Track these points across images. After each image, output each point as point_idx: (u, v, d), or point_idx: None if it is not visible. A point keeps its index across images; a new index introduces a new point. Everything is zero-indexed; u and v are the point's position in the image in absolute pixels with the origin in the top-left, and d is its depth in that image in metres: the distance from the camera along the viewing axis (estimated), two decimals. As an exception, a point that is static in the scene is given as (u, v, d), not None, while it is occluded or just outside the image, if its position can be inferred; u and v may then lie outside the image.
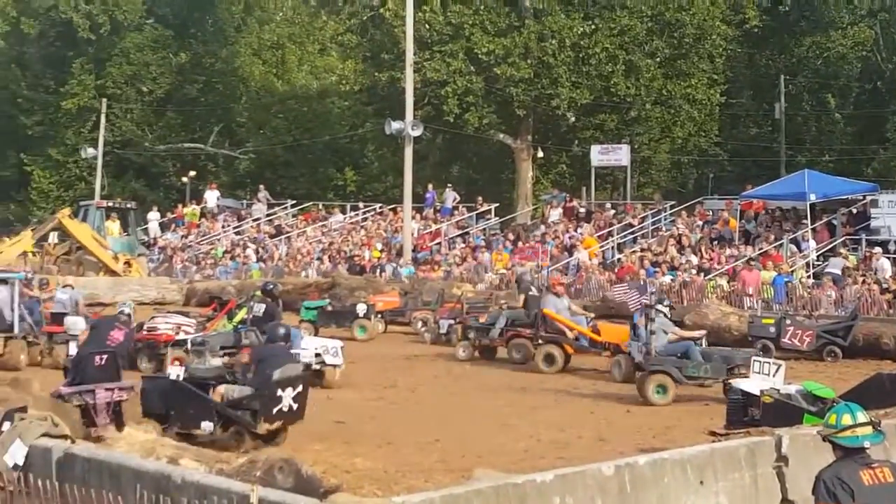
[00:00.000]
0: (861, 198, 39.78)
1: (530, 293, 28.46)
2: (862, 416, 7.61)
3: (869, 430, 7.58)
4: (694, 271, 36.49)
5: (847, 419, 7.59)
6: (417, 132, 46.98)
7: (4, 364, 25.74)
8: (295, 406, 16.38)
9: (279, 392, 16.22)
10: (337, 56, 69.96)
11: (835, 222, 39.00)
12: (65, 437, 11.37)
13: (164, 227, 59.03)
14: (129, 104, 68.93)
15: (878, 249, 35.09)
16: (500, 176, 60.77)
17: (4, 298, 26.97)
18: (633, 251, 41.59)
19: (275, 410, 16.13)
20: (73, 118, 68.83)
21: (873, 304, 31.14)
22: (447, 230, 49.93)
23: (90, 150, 64.74)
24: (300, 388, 16.52)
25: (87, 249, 45.35)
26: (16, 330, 26.43)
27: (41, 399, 15.07)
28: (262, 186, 60.46)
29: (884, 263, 34.00)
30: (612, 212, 47.57)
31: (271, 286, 25.98)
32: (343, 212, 57.12)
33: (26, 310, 27.35)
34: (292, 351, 22.93)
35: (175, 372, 16.97)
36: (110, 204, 53.92)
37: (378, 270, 43.80)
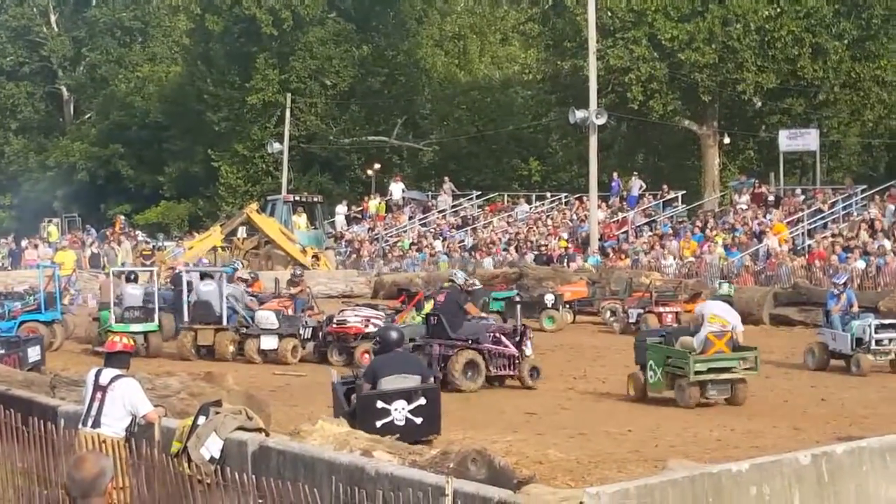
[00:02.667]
0: None
1: None
2: None
3: None
4: (888, 256, 35.74)
5: None
6: (602, 120, 46.86)
7: (215, 355, 26.60)
8: (418, 420, 15.29)
9: (382, 405, 15.22)
10: (519, 45, 70.13)
11: None
12: (259, 430, 11.59)
13: (350, 220, 59.91)
14: (313, 98, 69.91)
15: None
16: (686, 163, 60.25)
17: (213, 291, 27.80)
18: (824, 237, 40.91)
19: (379, 425, 14.82)
20: (259, 113, 70.01)
21: None
22: (634, 218, 49.72)
23: (276, 145, 65.88)
24: (421, 401, 15.43)
25: (276, 243, 46.07)
26: (224, 322, 27.17)
27: (235, 393, 15.39)
28: (446, 178, 60.96)
29: None
30: (802, 197, 46.83)
31: (462, 277, 25.97)
32: (528, 202, 57.30)
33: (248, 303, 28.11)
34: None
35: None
36: (297, 198, 54.81)
37: (565, 260, 43.84)
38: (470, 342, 21.98)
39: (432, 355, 21.83)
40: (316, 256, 46.33)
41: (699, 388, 19.77)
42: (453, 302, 23.05)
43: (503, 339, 22.00)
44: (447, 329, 22.16)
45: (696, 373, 19.57)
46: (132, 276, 29.50)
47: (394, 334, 16.61)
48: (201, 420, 11.52)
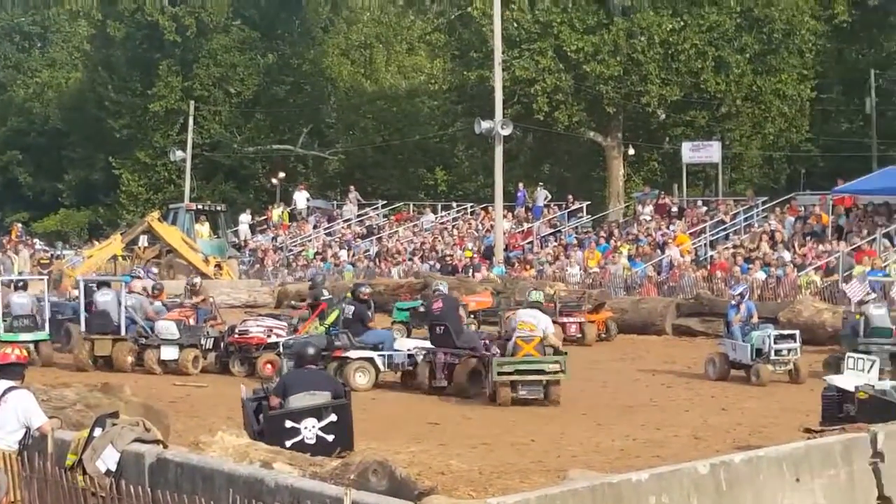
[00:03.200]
0: (956, 191, 39.28)
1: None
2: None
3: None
4: (787, 267, 36.19)
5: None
6: (507, 131, 47.00)
7: (113, 366, 26.23)
8: (329, 437, 14.80)
9: (290, 424, 14.73)
10: (425, 55, 70.15)
11: (929, 216, 38.55)
12: (157, 442, 11.41)
13: (254, 229, 59.54)
14: (217, 106, 69.47)
15: (974, 243, 34.67)
16: (591, 174, 60.63)
17: (110, 301, 27.41)
18: (726, 248, 41.35)
19: (289, 444, 14.29)
20: (161, 121, 69.40)
21: (969, 299, 30.74)
22: (539, 229, 49.93)
23: (179, 153, 65.34)
24: (332, 418, 14.98)
25: (178, 252, 45.63)
26: (123, 332, 26.80)
27: (133, 404, 15.18)
28: (352, 187, 60.82)
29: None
30: (704, 209, 47.31)
31: (362, 287, 26.00)
32: (434, 212, 57.34)
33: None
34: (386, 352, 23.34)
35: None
36: (200, 206, 54.29)
37: (470, 270, 43.89)
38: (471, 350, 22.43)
39: (436, 363, 22.56)
40: (219, 266, 45.95)
41: (510, 387, 21.12)
42: (454, 309, 23.39)
43: (494, 347, 22.08)
44: (453, 337, 22.59)
45: (500, 374, 21.07)
46: (20, 285, 28.98)
47: (309, 350, 16.15)
48: (97, 432, 11.31)
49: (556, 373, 21.20)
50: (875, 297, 27.29)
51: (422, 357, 23.30)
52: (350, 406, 15.20)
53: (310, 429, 14.81)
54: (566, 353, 21.69)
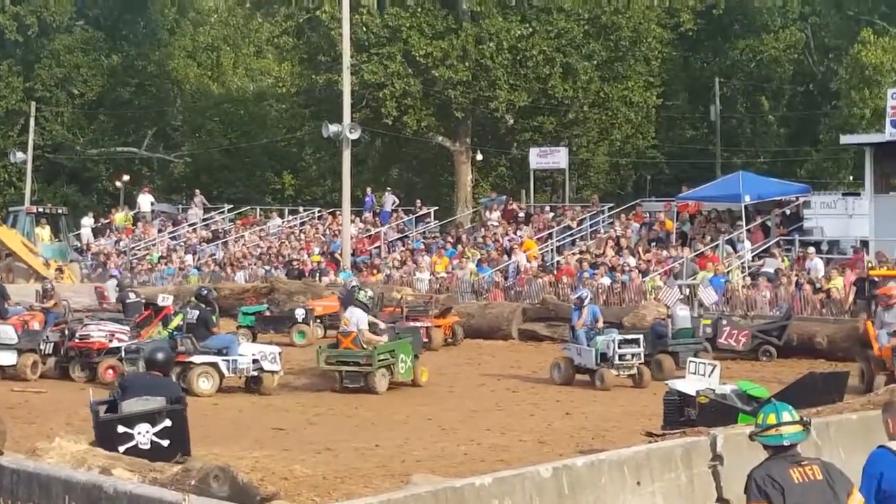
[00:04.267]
0: (794, 199, 40.16)
1: None
2: (787, 416, 7.69)
3: (794, 428, 7.66)
4: (632, 273, 36.65)
5: (772, 418, 7.68)
6: (355, 135, 46.81)
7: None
8: (164, 442, 14.63)
9: (123, 429, 14.51)
10: (273, 58, 69.62)
11: (769, 223, 39.32)
12: (-8, 448, 11.15)
13: (97, 232, 58.47)
14: (60, 107, 68.14)
15: (811, 250, 35.42)
16: (440, 179, 60.79)
17: None
18: (573, 253, 41.73)
19: (122, 449, 14.05)
20: (1, 121, 67.82)
21: (806, 303, 31.46)
22: (386, 233, 49.87)
23: (19, 155, 63.85)
24: (166, 423, 14.81)
25: (17, 256, 44.67)
26: None
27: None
28: (197, 191, 60.09)
29: (816, 263, 34.32)
30: (551, 214, 47.69)
31: (206, 291, 25.64)
32: (281, 216, 56.96)
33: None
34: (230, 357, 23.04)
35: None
36: (41, 209, 53.25)
37: (317, 274, 43.66)
38: None
39: None
40: (60, 269, 45.09)
41: (338, 377, 23.67)
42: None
43: None
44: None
45: (326, 363, 23.77)
46: None
47: (158, 356, 15.87)
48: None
49: (365, 366, 23.35)
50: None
51: None
52: (185, 411, 14.99)
53: (143, 434, 14.59)
54: (375, 349, 23.49)
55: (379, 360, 23.47)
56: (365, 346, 23.55)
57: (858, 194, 38.91)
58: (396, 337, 24.88)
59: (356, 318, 23.80)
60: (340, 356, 23.76)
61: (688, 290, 31.31)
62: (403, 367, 23.99)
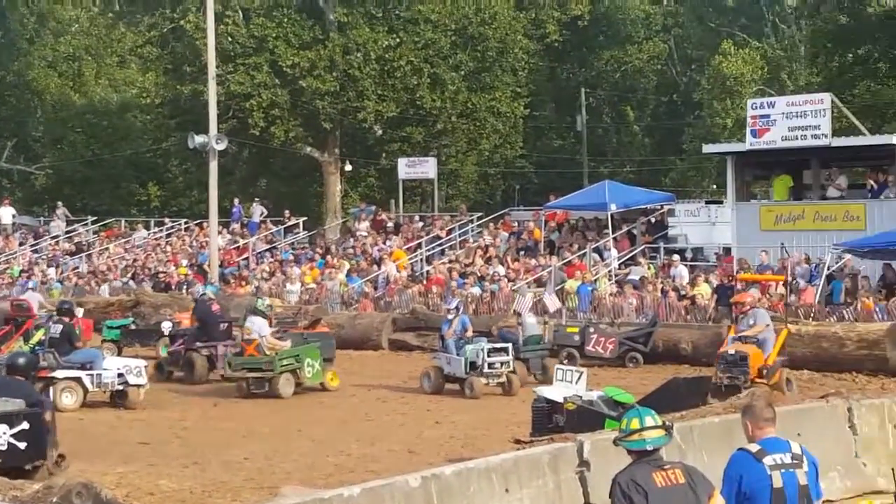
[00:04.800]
0: (659, 207, 40.70)
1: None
2: (650, 420, 7.76)
3: (657, 433, 7.73)
4: (501, 282, 36.81)
5: (635, 423, 7.75)
6: (222, 146, 46.34)
7: None
8: (21, 445, 14.72)
9: None
10: (137, 68, 68.75)
11: (635, 231, 39.80)
12: None
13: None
14: (-83, 118, 66.80)
15: (675, 257, 35.96)
16: (309, 189, 60.60)
17: None
18: (442, 262, 41.82)
19: None
20: None
21: (672, 310, 31.89)
22: (255, 245, 49.48)
23: None
24: (24, 426, 14.84)
25: None
26: None
27: None
28: (60, 203, 59.04)
29: (681, 271, 34.83)
30: (421, 224, 47.75)
31: (68, 305, 25.24)
32: (147, 228, 56.23)
33: None
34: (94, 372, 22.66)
35: None
36: None
37: (184, 287, 43.17)
38: None
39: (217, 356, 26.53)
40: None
41: (245, 385, 24.54)
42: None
43: None
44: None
45: (233, 370, 24.70)
46: None
47: (20, 360, 16.26)
48: None
49: (267, 371, 24.31)
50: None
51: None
52: (43, 416, 14.83)
53: (0, 435, 14.55)
54: (275, 356, 24.39)
55: (282, 365, 24.33)
56: (267, 353, 24.37)
57: (721, 202, 39.56)
58: (304, 342, 25.58)
59: (257, 326, 24.62)
60: (245, 363, 24.56)
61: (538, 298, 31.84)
62: (311, 372, 24.70)
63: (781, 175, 36.76)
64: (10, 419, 14.76)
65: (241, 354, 24.80)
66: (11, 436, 14.71)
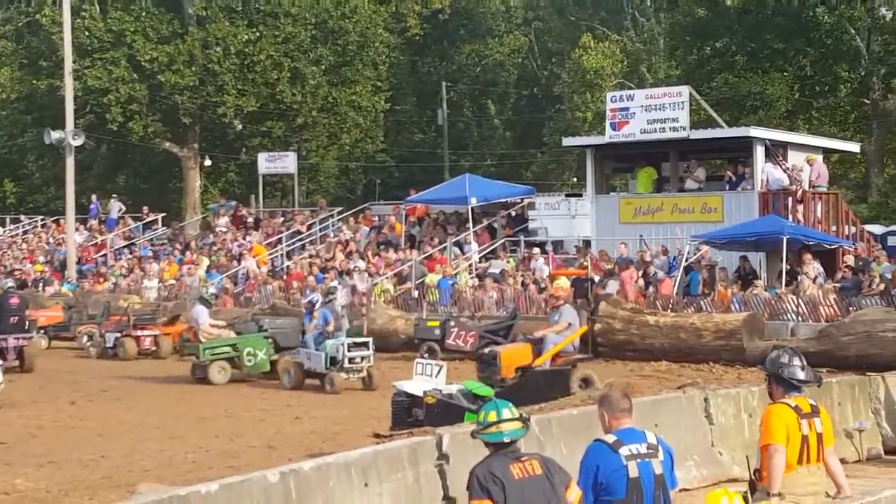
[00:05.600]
0: (520, 200, 40.97)
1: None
2: (507, 412, 7.80)
3: (514, 425, 7.78)
4: (364, 276, 36.80)
5: (492, 416, 7.79)
6: (79, 141, 45.72)
7: None
8: None
9: None
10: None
11: (495, 225, 40.07)
12: None
13: None
14: None
15: (535, 250, 36.20)
16: (168, 185, 60.02)
17: None
18: (302, 258, 41.70)
19: None
20: None
21: (532, 303, 32.12)
22: (113, 241, 48.85)
23: None
24: None
25: None
26: None
27: None
28: None
29: (541, 263, 35.12)
30: (281, 219, 47.54)
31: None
32: (2, 225, 55.22)
33: None
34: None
35: None
36: None
37: (41, 284, 42.49)
38: None
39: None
40: None
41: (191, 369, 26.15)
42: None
43: None
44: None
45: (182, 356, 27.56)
46: None
47: None
48: None
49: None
50: None
51: None
52: None
53: None
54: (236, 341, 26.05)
55: (212, 354, 25.74)
56: (203, 339, 25.98)
57: (580, 195, 39.99)
58: (259, 330, 26.60)
59: (196, 314, 26.64)
60: (189, 350, 26.66)
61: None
62: (252, 361, 25.83)
63: (645, 167, 37.15)
64: None
65: (189, 340, 26.76)
66: None
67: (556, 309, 22.22)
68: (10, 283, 32.18)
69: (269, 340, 26.14)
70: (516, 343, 22.05)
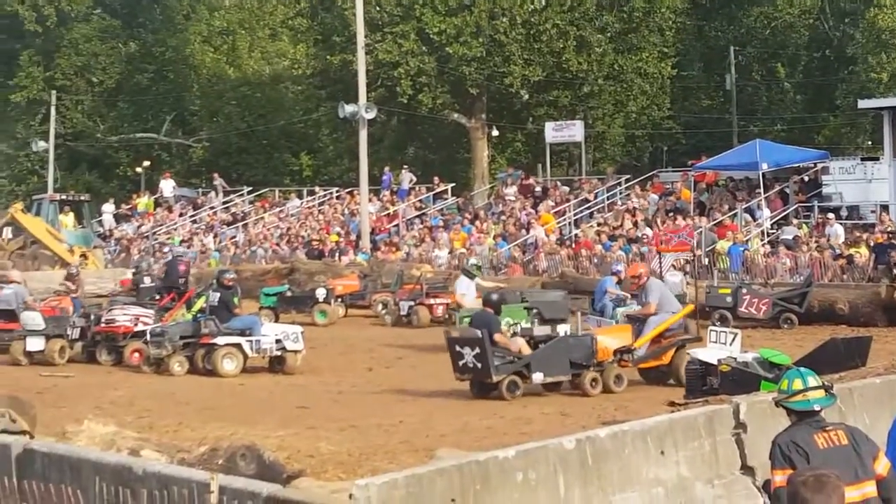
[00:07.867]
0: (812, 165, 40.08)
1: None
2: (813, 381, 7.67)
3: (820, 393, 7.65)
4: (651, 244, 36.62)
5: (798, 384, 7.66)
6: (371, 115, 46.87)
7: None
8: None
9: None
10: (288, 40, 69.55)
11: (787, 191, 39.27)
12: (24, 432, 11.23)
13: (119, 218, 58.69)
14: (80, 95, 68.46)
15: (830, 216, 35.39)
16: (456, 155, 60.79)
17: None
18: (590, 226, 41.75)
19: None
20: (23, 111, 68.28)
21: (827, 270, 31.42)
22: (405, 211, 49.92)
23: (41, 143, 64.24)
24: None
25: (42, 243, 44.80)
26: None
27: (-2, 396, 14.94)
28: (216, 174, 60.19)
29: (836, 229, 34.29)
30: (568, 188, 47.68)
31: (227, 274, 25.76)
32: (300, 197, 57.07)
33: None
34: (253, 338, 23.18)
35: None
36: (64, 197, 53.45)
37: (337, 254, 43.78)
38: None
39: None
40: (84, 255, 45.16)
41: None
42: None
43: None
44: None
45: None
46: None
47: None
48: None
49: None
50: None
51: None
52: None
53: None
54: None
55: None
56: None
57: (877, 159, 38.77)
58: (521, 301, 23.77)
59: (458, 285, 27.20)
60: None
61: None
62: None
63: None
64: None
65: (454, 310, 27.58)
66: None
67: (641, 288, 21.58)
68: (182, 250, 33.28)
69: (535, 311, 24.82)
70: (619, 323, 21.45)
